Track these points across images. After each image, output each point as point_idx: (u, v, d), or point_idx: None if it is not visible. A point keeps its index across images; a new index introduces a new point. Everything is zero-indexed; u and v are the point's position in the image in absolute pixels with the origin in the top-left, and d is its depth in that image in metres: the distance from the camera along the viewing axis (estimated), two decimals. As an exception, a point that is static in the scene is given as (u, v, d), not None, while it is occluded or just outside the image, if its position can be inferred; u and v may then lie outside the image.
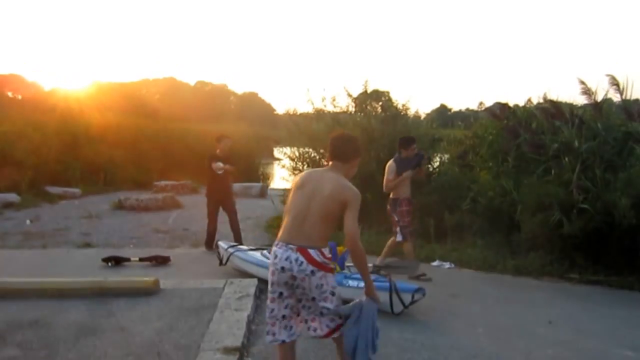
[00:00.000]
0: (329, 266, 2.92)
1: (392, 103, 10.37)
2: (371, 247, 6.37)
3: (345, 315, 2.97)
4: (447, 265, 7.04)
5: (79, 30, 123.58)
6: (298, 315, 3.02)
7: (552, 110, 7.89)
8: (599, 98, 7.67)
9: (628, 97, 7.63)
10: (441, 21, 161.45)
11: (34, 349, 3.73)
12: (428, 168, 8.99)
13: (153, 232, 9.04)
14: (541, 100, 8.81)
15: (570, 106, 8.07)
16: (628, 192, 6.15)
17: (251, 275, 5.65)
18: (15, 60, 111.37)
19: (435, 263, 7.08)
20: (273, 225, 9.67)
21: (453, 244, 7.70)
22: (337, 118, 9.86)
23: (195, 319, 4.31)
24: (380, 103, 10.50)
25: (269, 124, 39.23)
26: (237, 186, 11.49)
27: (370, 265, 3.00)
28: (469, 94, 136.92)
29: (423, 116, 15.51)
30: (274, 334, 2.99)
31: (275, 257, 2.95)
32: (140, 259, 6.65)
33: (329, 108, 10.11)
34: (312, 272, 2.86)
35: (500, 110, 8.82)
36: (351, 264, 4.27)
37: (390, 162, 6.22)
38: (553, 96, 8.54)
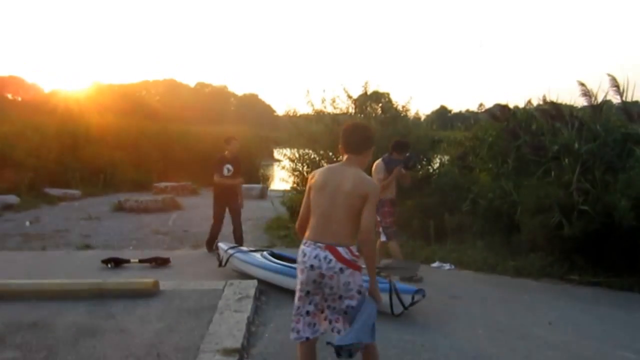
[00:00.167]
0: (357, 264, 2.93)
1: (392, 104, 10.37)
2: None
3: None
4: (447, 266, 7.03)
5: (79, 31, 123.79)
6: (322, 312, 3.03)
7: (552, 111, 7.89)
8: (599, 100, 7.67)
9: (628, 99, 7.64)
10: (441, 22, 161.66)
11: (34, 350, 3.72)
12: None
13: (153, 234, 9.04)
14: (541, 102, 8.80)
15: (570, 108, 8.07)
16: (628, 193, 6.15)
17: (251, 277, 5.64)
18: (15, 62, 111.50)
19: (435, 264, 7.08)
20: (272, 226, 9.68)
21: (453, 245, 7.69)
22: (337, 119, 9.85)
23: (194, 320, 4.31)
24: (380, 104, 10.49)
25: (269, 125, 39.28)
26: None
27: (363, 267, 2.98)
28: (469, 96, 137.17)
29: (423, 117, 15.53)
30: (298, 331, 3.01)
31: (304, 255, 2.96)
32: (140, 261, 6.65)
33: (329, 109, 10.11)
34: (341, 269, 2.87)
35: (500, 112, 8.81)
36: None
37: (379, 161, 6.17)
38: (553, 98, 8.54)
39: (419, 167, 9.26)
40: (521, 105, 9.34)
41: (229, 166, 7.19)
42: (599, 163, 6.76)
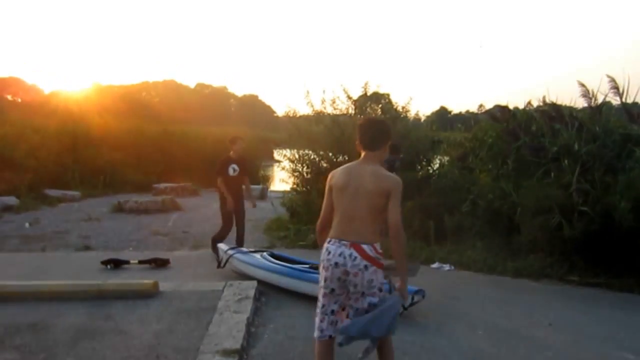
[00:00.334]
0: (380, 261, 2.96)
1: (392, 105, 10.37)
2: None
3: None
4: (446, 267, 7.03)
5: (79, 32, 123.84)
6: (343, 310, 3.06)
7: (552, 113, 7.90)
8: (599, 101, 7.68)
9: (628, 101, 7.65)
10: (441, 23, 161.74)
11: (33, 352, 3.72)
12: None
13: (152, 235, 9.04)
14: (541, 103, 8.81)
15: (570, 109, 8.08)
16: (628, 195, 6.15)
17: (251, 278, 5.64)
18: (15, 63, 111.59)
19: (434, 265, 7.07)
20: (272, 227, 9.67)
21: (453, 245, 7.69)
22: (336, 120, 9.85)
23: (194, 321, 4.30)
24: (380, 105, 10.49)
25: (269, 126, 39.31)
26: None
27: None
28: (469, 97, 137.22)
29: (423, 118, 15.53)
30: (322, 330, 3.04)
31: (329, 253, 2.99)
32: (140, 262, 6.65)
33: (329, 110, 10.11)
34: (365, 266, 2.90)
35: (500, 113, 8.82)
36: None
37: None
38: (553, 99, 8.55)
39: (419, 167, 9.26)
40: (521, 106, 9.36)
41: (235, 166, 7.07)
42: (598, 164, 6.77)
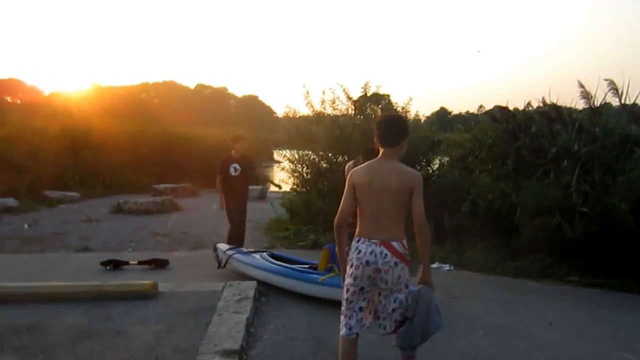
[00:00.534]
0: (407, 257, 3.01)
1: (392, 106, 10.35)
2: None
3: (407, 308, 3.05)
4: (446, 267, 7.03)
5: (79, 33, 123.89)
6: (368, 307, 3.09)
7: (552, 114, 7.90)
8: (598, 102, 7.68)
9: (627, 102, 7.65)
10: (442, 24, 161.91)
11: (32, 353, 3.71)
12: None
13: (152, 236, 9.03)
14: (540, 104, 8.80)
15: (570, 110, 8.08)
16: (627, 195, 6.15)
17: (250, 278, 5.63)
18: (15, 64, 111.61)
19: (434, 265, 7.05)
20: (272, 228, 9.67)
21: (452, 246, 7.68)
22: (336, 121, 9.84)
23: (194, 322, 4.30)
24: (380, 106, 10.47)
25: (268, 126, 39.28)
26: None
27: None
28: (468, 97, 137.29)
29: (423, 119, 15.50)
30: (350, 327, 3.07)
31: (359, 252, 3.01)
32: (139, 262, 6.64)
33: (329, 111, 10.09)
34: (395, 263, 2.96)
35: (500, 114, 8.81)
36: None
37: (350, 164, 6.03)
38: (552, 100, 8.53)
39: (419, 168, 9.23)
40: (521, 107, 9.35)
41: (236, 165, 7.00)
42: (598, 165, 6.77)
